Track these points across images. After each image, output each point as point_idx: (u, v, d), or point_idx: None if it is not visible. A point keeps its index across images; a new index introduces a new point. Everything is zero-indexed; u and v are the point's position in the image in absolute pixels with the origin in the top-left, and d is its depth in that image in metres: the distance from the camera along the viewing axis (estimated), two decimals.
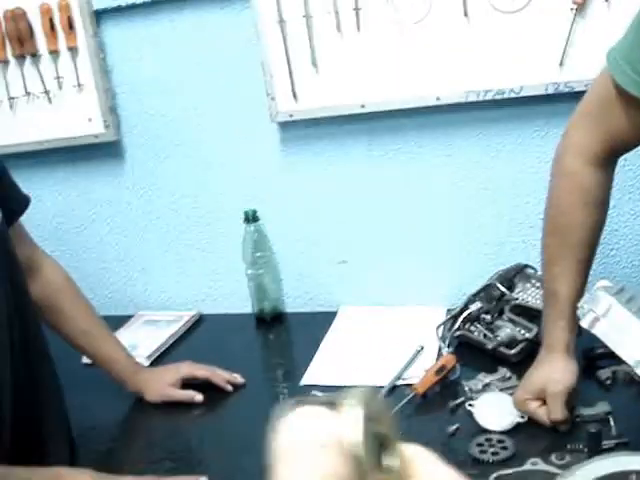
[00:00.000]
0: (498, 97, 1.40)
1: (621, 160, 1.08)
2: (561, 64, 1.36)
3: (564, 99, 1.36)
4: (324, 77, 1.50)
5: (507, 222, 1.52)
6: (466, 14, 1.38)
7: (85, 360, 1.43)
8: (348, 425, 0.36)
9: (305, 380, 1.38)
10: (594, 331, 0.79)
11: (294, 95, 1.53)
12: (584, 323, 0.81)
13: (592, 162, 1.03)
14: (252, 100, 1.58)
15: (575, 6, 1.32)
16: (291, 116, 1.55)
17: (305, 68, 1.51)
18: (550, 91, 1.37)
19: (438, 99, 1.44)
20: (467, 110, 1.46)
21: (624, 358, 0.75)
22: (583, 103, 1.05)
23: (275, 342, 1.65)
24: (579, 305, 0.85)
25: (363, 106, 1.49)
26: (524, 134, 1.46)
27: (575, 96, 1.17)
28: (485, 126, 1.48)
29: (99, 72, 1.62)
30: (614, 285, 0.83)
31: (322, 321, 1.60)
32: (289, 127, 1.59)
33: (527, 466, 0.75)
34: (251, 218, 1.62)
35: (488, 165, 1.51)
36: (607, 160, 1.04)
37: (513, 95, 1.39)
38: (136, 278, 1.82)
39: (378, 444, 0.37)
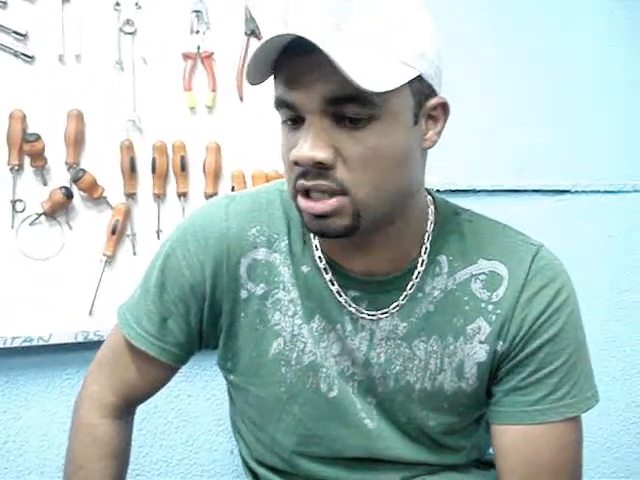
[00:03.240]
0: (26, 344, 1.35)
1: None
2: (90, 313, 1.38)
3: (95, 347, 1.35)
4: None
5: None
6: None
7: None
8: None
9: None
10: None
11: None
12: None
13: (108, 413, 1.01)
14: None
15: (105, 258, 1.39)
16: None
17: None
18: (80, 339, 1.37)
19: None
20: None
21: None
22: (99, 354, 1.06)
23: None
24: None
25: None
26: (55, 382, 1.41)
27: None
28: (13, 374, 1.39)
29: None
30: None
31: None
32: None
33: None
34: None
35: (17, 415, 1.40)
36: (124, 410, 1.04)
37: (42, 342, 1.35)
38: None
39: None
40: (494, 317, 0.92)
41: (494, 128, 1.65)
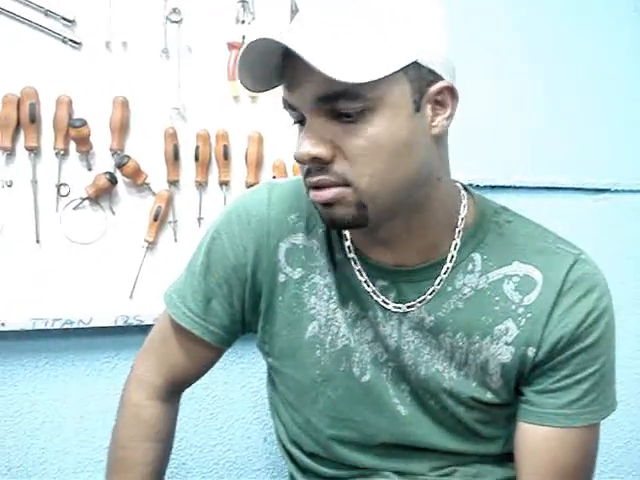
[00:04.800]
0: (67, 326, 1.36)
1: None
2: (131, 298, 1.40)
3: (134, 331, 1.38)
4: None
5: None
6: (38, 241, 1.35)
7: None
8: None
9: None
10: None
11: None
12: None
13: (155, 395, 1.03)
14: None
15: (146, 244, 1.40)
16: None
17: None
18: (120, 323, 1.39)
19: (3, 325, 1.35)
20: (34, 338, 1.39)
21: None
22: (148, 337, 1.07)
23: None
24: None
25: None
26: (93, 365, 1.43)
27: (145, 329, 1.19)
28: (53, 356, 1.42)
29: None
30: None
31: None
32: None
33: None
34: None
35: (55, 396, 1.43)
36: (171, 393, 1.06)
37: (82, 325, 1.37)
38: None
39: None
40: (524, 321, 0.91)
41: (535, 126, 1.64)
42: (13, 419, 1.40)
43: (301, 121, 0.83)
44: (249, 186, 1.43)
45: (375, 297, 0.94)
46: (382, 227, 0.89)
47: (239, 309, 1.01)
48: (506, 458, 1.01)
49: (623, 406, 0.98)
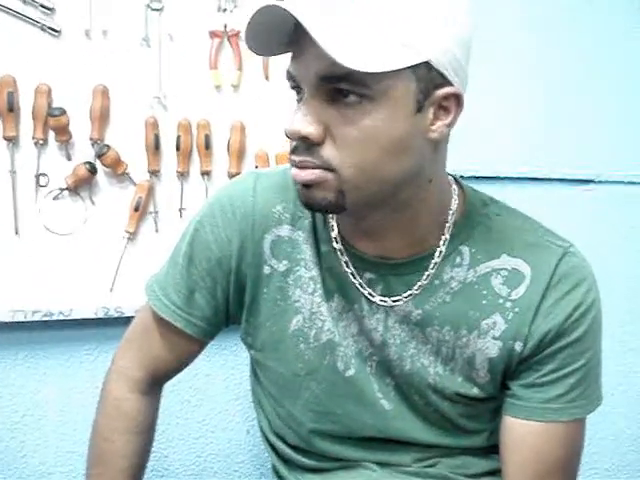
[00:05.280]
0: (46, 318, 1.35)
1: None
2: (111, 289, 1.39)
3: (115, 323, 1.37)
4: None
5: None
6: (17, 232, 1.34)
7: None
8: None
9: None
10: None
11: None
12: None
13: (136, 388, 1.02)
14: None
15: (127, 234, 1.39)
16: None
17: None
18: (101, 315, 1.38)
19: None
20: (13, 330, 1.37)
21: None
22: (129, 329, 1.06)
23: None
24: None
25: None
26: (74, 357, 1.42)
27: (126, 321, 1.18)
28: (33, 348, 1.40)
29: None
30: None
31: None
32: None
33: None
34: None
35: (35, 389, 1.41)
36: (152, 386, 1.04)
37: (62, 317, 1.36)
38: None
39: None
40: (511, 315, 0.91)
41: (520, 117, 1.64)
42: None
43: (298, 91, 0.81)
44: (231, 176, 1.41)
45: (361, 289, 0.93)
46: (367, 219, 0.88)
47: (222, 301, 0.99)
48: (491, 450, 1.01)
49: (608, 397, 0.98)
